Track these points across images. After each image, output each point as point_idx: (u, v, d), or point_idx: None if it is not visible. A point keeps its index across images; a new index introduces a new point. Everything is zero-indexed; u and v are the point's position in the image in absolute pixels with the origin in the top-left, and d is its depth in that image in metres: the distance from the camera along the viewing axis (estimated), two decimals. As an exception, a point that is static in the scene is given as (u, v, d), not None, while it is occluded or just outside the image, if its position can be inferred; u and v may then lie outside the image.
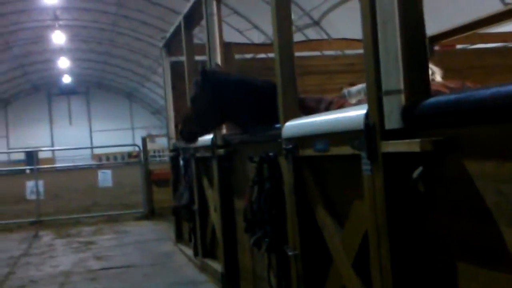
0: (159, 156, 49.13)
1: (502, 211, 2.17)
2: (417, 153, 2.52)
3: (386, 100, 2.75)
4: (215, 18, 6.53)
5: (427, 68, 2.78)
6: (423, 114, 2.57)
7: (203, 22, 6.75)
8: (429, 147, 2.43)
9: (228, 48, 8.06)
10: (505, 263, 2.19)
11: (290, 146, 4.09)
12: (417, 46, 2.76)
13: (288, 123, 4.26)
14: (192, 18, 7.95)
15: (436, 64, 8.90)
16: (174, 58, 10.07)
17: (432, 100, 2.52)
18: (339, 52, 12.38)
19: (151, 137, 48.03)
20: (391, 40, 2.72)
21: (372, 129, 2.87)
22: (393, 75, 2.71)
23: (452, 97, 2.37)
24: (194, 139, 6.12)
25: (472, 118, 2.26)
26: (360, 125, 2.96)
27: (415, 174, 2.61)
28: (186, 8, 7.90)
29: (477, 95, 2.18)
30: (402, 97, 2.71)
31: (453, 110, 2.35)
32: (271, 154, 4.62)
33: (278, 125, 4.54)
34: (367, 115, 2.93)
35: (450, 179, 2.46)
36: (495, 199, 2.20)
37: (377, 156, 2.84)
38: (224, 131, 6.49)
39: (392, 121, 2.72)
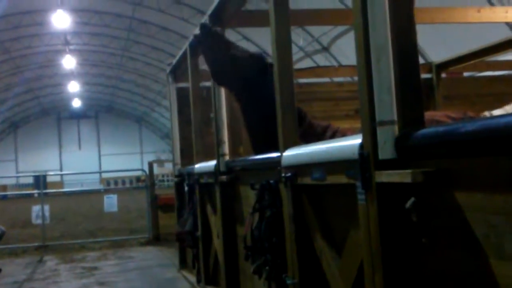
0: (168, 180, 49.18)
1: (491, 243, 2.17)
2: (409, 184, 2.53)
3: (380, 131, 2.76)
4: (220, 46, 6.57)
5: (420, 99, 2.80)
6: (415, 145, 2.59)
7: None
8: (420, 178, 2.44)
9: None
10: (496, 296, 2.18)
11: (289, 174, 4.10)
12: (411, 77, 2.79)
13: (287, 152, 4.27)
14: (197, 46, 8.01)
15: (443, 91, 8.97)
16: (181, 84, 10.14)
17: (423, 131, 2.54)
18: (348, 79, 12.41)
19: (160, 161, 48.11)
20: (385, 72, 2.74)
21: (366, 159, 2.88)
22: (387, 106, 2.74)
23: (441, 129, 2.39)
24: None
25: (461, 150, 2.28)
26: (355, 154, 2.97)
27: (408, 204, 2.62)
28: (191, 35, 7.96)
29: (465, 128, 2.19)
30: (396, 128, 2.72)
31: (442, 142, 2.37)
32: (272, 181, 4.63)
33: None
34: (361, 145, 2.95)
35: (442, 210, 2.46)
36: (484, 231, 2.20)
37: (371, 185, 2.85)
38: (227, 157, 6.51)
39: (386, 151, 2.74)
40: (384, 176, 2.74)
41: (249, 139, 6.02)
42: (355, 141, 3.03)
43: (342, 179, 3.21)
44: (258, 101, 5.56)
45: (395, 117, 2.73)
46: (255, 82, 5.60)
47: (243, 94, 5.78)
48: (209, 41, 5.71)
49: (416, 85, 2.80)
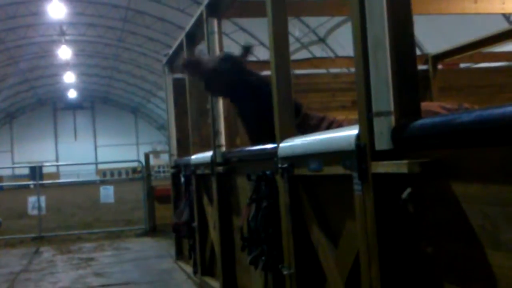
0: (164, 172, 49.22)
1: (487, 234, 2.18)
2: (406, 174, 2.54)
3: (376, 121, 2.77)
4: (216, 36, 6.57)
5: (417, 90, 2.80)
6: (412, 135, 2.59)
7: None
8: (416, 168, 2.45)
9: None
10: (491, 286, 2.19)
11: (286, 165, 4.10)
12: (408, 68, 2.79)
13: (283, 142, 4.28)
14: (194, 36, 8.00)
15: (440, 83, 8.97)
16: (177, 75, 10.11)
17: (419, 122, 2.54)
18: (344, 70, 12.40)
19: (156, 152, 48.11)
20: (382, 62, 2.74)
21: (362, 149, 2.89)
22: (384, 97, 2.74)
23: (438, 120, 2.39)
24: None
25: (457, 141, 2.28)
26: (352, 145, 2.98)
27: (404, 194, 2.63)
28: (188, 26, 7.95)
29: (461, 119, 2.20)
30: (392, 119, 2.73)
31: (439, 133, 2.38)
32: (268, 172, 4.63)
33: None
34: (358, 136, 2.95)
35: (438, 200, 2.47)
36: (480, 221, 2.21)
37: (367, 176, 2.85)
38: (223, 148, 6.51)
39: (382, 142, 2.74)
40: (381, 167, 2.75)
41: (246, 132, 6.04)
42: (352, 132, 3.04)
43: (338, 170, 3.22)
44: (256, 105, 5.56)
45: (392, 108, 2.73)
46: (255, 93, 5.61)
47: (242, 103, 5.81)
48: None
49: (413, 76, 2.80)
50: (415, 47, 2.83)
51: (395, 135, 2.70)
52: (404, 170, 2.51)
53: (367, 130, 2.84)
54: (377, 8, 2.75)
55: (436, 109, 4.75)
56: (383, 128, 2.74)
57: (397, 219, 2.76)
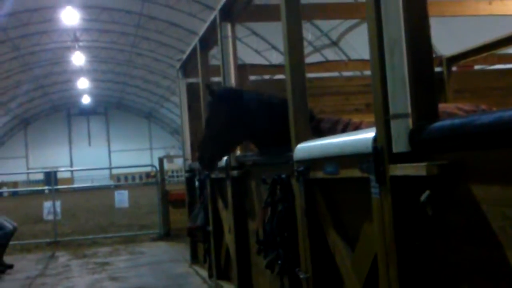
0: (177, 176, 49.33)
1: (507, 235, 2.16)
2: (424, 177, 2.52)
3: (393, 124, 2.76)
4: (230, 40, 6.58)
5: (434, 92, 2.79)
6: (430, 138, 2.58)
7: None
8: (435, 171, 2.43)
9: (243, 69, 8.11)
10: (512, 288, 2.18)
11: (302, 168, 4.10)
12: (425, 70, 2.78)
13: (299, 146, 4.27)
14: (207, 40, 8.02)
15: (454, 85, 8.92)
16: (190, 79, 10.14)
17: (438, 124, 2.53)
18: (357, 73, 12.37)
19: (170, 157, 48.17)
20: (399, 64, 2.74)
21: (380, 152, 2.87)
22: (401, 99, 2.73)
23: (457, 121, 2.38)
24: (214, 164, 5.96)
25: (477, 143, 2.27)
26: (369, 148, 2.97)
27: (423, 197, 2.61)
28: (201, 30, 7.97)
29: (481, 120, 2.18)
30: (410, 121, 2.72)
31: (458, 134, 2.36)
32: (283, 176, 4.63)
33: None
34: (375, 139, 2.94)
35: (457, 203, 2.46)
36: (500, 223, 2.19)
37: (385, 179, 2.84)
38: (238, 152, 6.51)
39: (400, 144, 2.73)
40: (399, 170, 2.74)
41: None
42: (369, 134, 3.02)
43: (355, 173, 3.20)
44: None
45: (409, 110, 2.72)
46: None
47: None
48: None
49: (430, 77, 2.79)
50: (432, 49, 2.82)
51: (412, 138, 2.69)
52: (422, 172, 2.49)
53: (384, 133, 2.83)
54: (393, 10, 2.75)
55: (453, 110, 4.72)
56: (400, 131, 2.73)
57: (416, 222, 2.75)
